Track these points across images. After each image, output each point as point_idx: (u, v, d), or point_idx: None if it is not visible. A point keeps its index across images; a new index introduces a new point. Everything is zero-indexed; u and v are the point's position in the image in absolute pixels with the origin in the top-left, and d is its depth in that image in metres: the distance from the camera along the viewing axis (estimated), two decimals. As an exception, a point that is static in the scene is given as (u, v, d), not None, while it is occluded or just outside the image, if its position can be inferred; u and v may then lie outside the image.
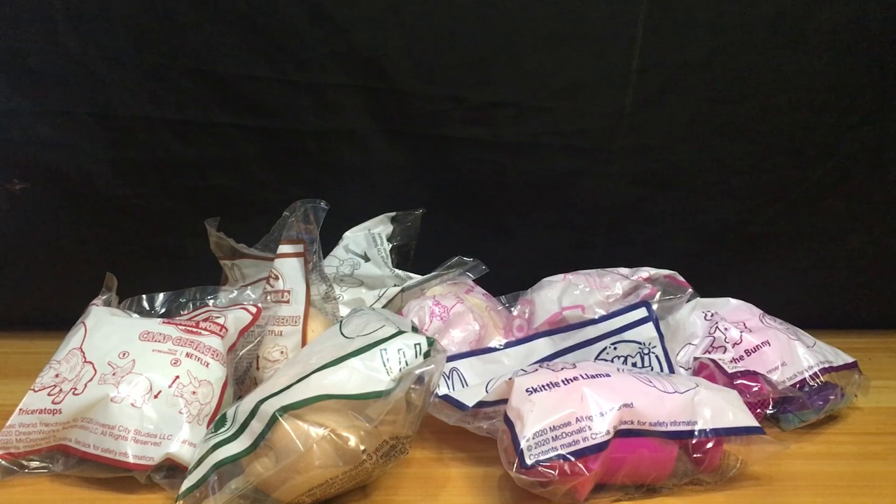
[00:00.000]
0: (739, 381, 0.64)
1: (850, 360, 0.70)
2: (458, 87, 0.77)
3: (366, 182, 0.82)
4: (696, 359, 0.68)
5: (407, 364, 0.53)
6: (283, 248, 0.70)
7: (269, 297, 0.69)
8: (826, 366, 0.67)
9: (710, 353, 0.68)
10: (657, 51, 0.75)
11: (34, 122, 0.76)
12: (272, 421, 0.51)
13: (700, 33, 0.74)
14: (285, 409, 0.51)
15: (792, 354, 0.67)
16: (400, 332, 0.56)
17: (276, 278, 0.69)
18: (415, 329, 0.60)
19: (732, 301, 0.73)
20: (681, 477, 0.56)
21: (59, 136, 0.76)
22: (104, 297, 0.68)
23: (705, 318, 0.71)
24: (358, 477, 0.53)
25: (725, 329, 0.68)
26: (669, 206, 0.83)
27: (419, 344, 0.54)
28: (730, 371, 0.65)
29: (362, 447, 0.51)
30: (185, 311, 0.69)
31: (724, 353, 0.67)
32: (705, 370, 0.66)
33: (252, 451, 0.52)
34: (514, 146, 0.80)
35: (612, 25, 0.74)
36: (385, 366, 0.53)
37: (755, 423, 0.56)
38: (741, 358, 0.67)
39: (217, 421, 0.57)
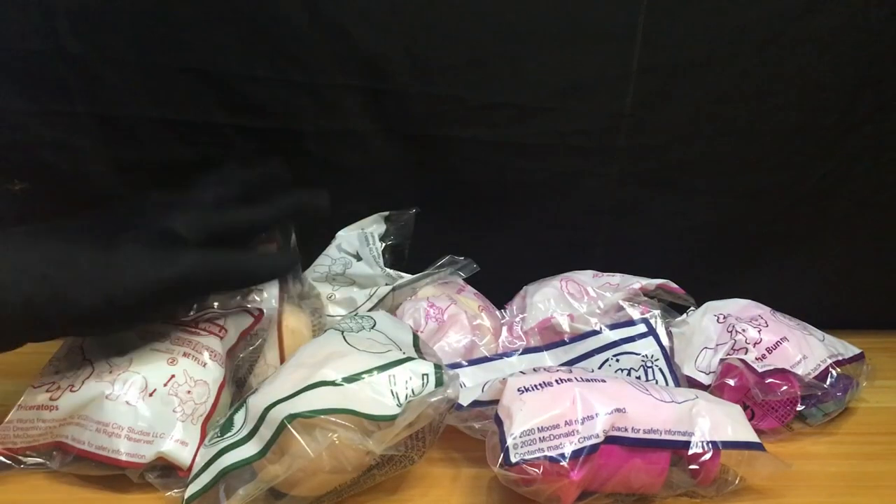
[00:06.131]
0: (770, 380, 0.63)
1: (857, 351, 0.70)
2: (458, 87, 0.77)
3: (365, 182, 0.82)
4: (722, 360, 0.67)
5: (413, 392, 0.53)
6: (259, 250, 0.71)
7: (239, 299, 0.69)
8: (839, 358, 0.67)
9: (732, 355, 0.67)
10: (657, 51, 0.75)
11: (34, 123, 0.76)
12: (281, 427, 0.51)
13: (700, 33, 0.74)
14: (294, 417, 0.51)
15: (810, 348, 0.67)
16: (408, 359, 0.56)
17: None
18: (416, 343, 0.60)
19: (741, 301, 0.73)
20: (675, 488, 0.55)
21: (59, 136, 0.76)
22: None
23: (718, 320, 0.70)
24: (364, 484, 0.54)
25: (743, 330, 0.68)
26: (670, 206, 0.83)
27: (427, 374, 0.54)
28: (760, 370, 0.64)
29: (370, 457, 0.52)
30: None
31: (745, 353, 0.66)
32: (733, 371, 0.65)
33: (262, 457, 0.52)
34: (514, 146, 0.80)
35: (612, 25, 0.74)
36: (393, 391, 0.53)
37: (755, 439, 0.56)
38: (763, 357, 0.66)
39: (223, 424, 0.57)
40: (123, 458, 0.55)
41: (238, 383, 0.66)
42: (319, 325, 0.74)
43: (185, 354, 0.60)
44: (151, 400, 0.57)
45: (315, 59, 0.76)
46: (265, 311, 0.68)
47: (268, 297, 0.69)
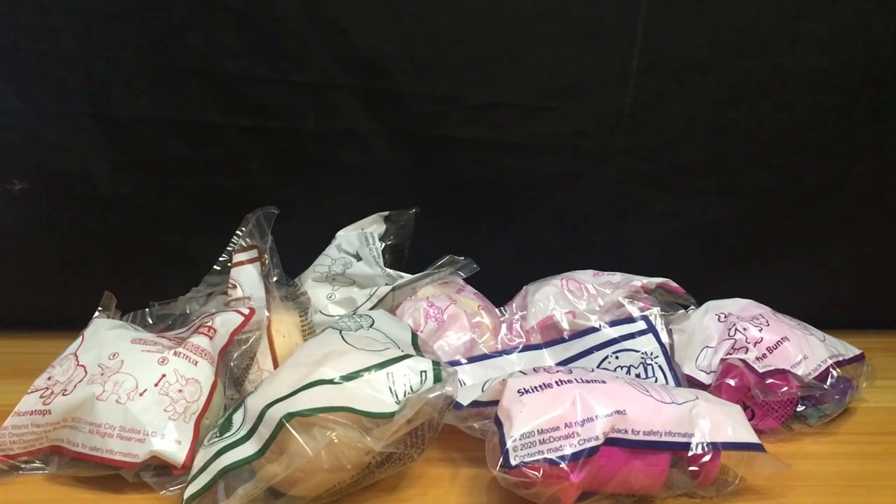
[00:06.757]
0: (770, 381, 0.63)
1: (857, 351, 0.70)
2: (458, 87, 0.77)
3: (365, 182, 0.82)
4: (722, 360, 0.66)
5: (411, 389, 0.53)
6: (238, 257, 0.71)
7: (230, 306, 0.70)
8: (840, 358, 0.67)
9: (733, 354, 0.67)
10: (657, 51, 0.75)
11: (34, 123, 0.76)
12: (279, 427, 0.51)
13: (700, 33, 0.74)
14: (292, 416, 0.51)
15: (811, 348, 0.67)
16: (406, 356, 0.56)
17: (234, 287, 0.70)
18: (415, 341, 0.60)
19: (741, 300, 0.73)
20: (675, 489, 0.55)
21: (59, 136, 0.76)
22: (105, 314, 0.68)
23: (719, 320, 0.70)
24: (363, 482, 0.54)
25: (744, 329, 0.67)
26: (669, 206, 0.83)
27: (425, 371, 0.54)
28: (760, 370, 0.64)
29: (370, 455, 0.52)
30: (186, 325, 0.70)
31: (745, 353, 0.66)
32: (733, 371, 0.65)
33: (261, 456, 0.52)
34: (514, 146, 0.80)
35: (612, 25, 0.74)
36: (391, 388, 0.53)
37: (755, 440, 0.55)
38: (764, 356, 0.66)
39: (222, 424, 0.57)
40: (117, 457, 0.55)
41: (236, 383, 0.66)
42: (309, 325, 0.74)
43: (175, 353, 0.61)
44: (142, 399, 0.57)
45: (315, 59, 0.76)
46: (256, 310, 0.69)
47: (255, 301, 0.69)
